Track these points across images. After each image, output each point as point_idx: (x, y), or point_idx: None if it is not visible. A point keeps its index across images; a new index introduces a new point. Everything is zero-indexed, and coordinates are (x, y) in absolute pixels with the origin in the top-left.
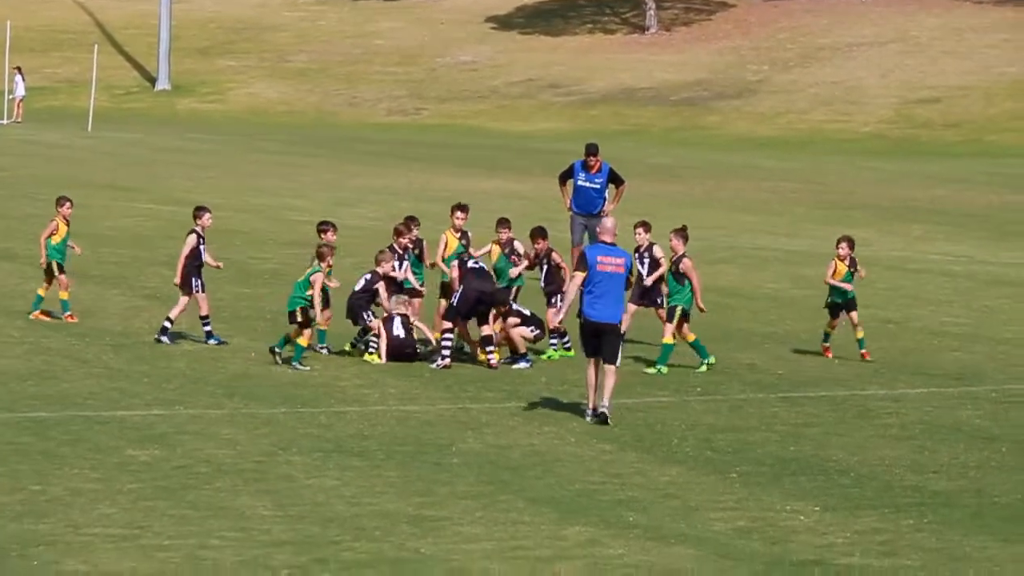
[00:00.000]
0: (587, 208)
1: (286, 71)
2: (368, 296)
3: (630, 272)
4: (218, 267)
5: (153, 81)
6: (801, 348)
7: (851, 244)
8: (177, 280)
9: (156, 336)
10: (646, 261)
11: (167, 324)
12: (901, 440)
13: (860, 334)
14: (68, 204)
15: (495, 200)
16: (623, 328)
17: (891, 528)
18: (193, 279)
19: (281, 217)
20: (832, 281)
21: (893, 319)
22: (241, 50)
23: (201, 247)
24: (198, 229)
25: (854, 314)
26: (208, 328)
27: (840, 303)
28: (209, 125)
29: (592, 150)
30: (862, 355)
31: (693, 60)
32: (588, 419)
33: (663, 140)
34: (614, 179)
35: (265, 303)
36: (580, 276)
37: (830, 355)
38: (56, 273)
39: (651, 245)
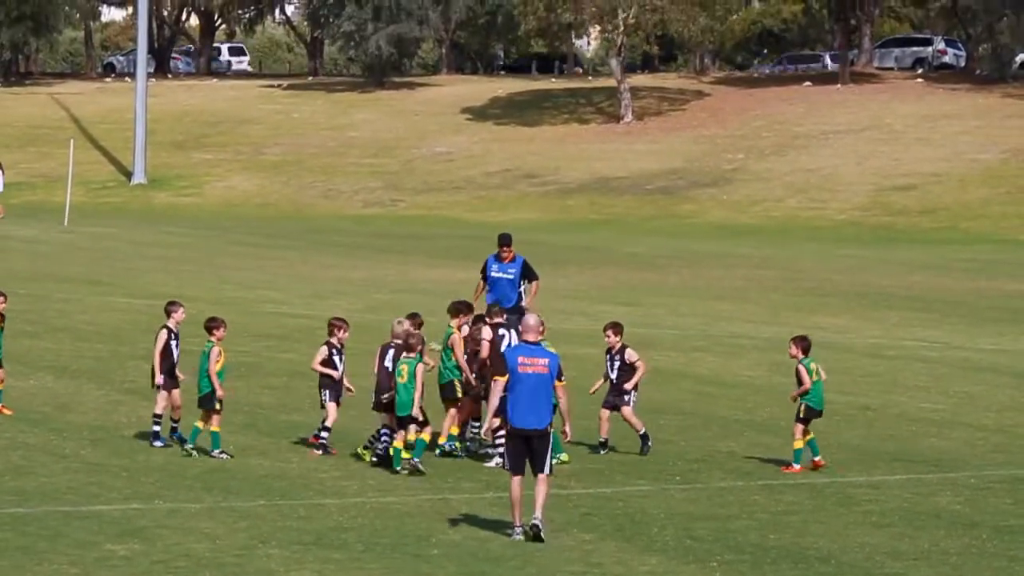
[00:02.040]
0: (502, 302)
1: (262, 164)
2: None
3: (558, 375)
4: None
5: (129, 175)
6: (781, 435)
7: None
8: (159, 379)
9: (152, 442)
10: (616, 363)
11: (156, 426)
12: (881, 527)
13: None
14: (2, 299)
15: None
16: (603, 435)
17: None
18: (165, 377)
19: (257, 310)
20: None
21: (871, 405)
22: (216, 143)
23: (172, 343)
24: (170, 324)
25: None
26: (158, 429)
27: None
28: (185, 218)
29: (505, 240)
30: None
31: (668, 149)
32: (517, 537)
33: (639, 229)
34: (527, 274)
35: (241, 396)
36: (501, 381)
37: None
38: None
39: (623, 348)
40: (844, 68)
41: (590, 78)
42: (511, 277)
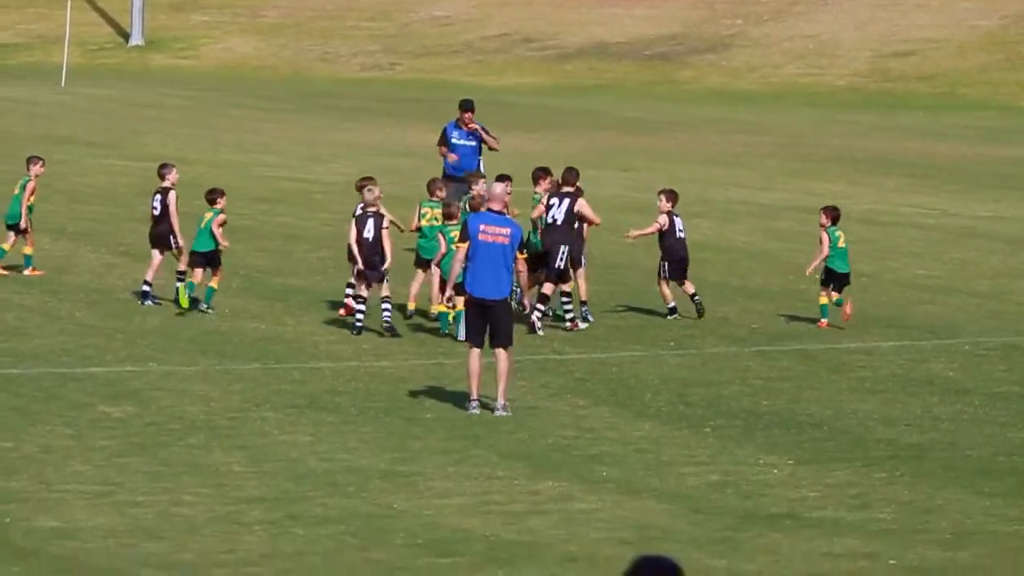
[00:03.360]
0: (461, 169)
1: (259, 26)
2: None
3: (519, 245)
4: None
5: (127, 37)
6: (774, 301)
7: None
8: (180, 241)
9: (147, 301)
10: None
11: (148, 286)
12: (874, 393)
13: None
14: (40, 163)
15: None
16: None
17: (864, 481)
18: (171, 236)
19: (254, 173)
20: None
21: (865, 272)
22: (214, 5)
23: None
24: (168, 184)
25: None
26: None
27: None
28: (182, 81)
29: (467, 106)
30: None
31: (666, 14)
32: (473, 411)
33: (637, 94)
34: (484, 139)
35: (239, 259)
36: (463, 248)
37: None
38: (28, 229)
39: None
40: None
41: None
42: (473, 144)
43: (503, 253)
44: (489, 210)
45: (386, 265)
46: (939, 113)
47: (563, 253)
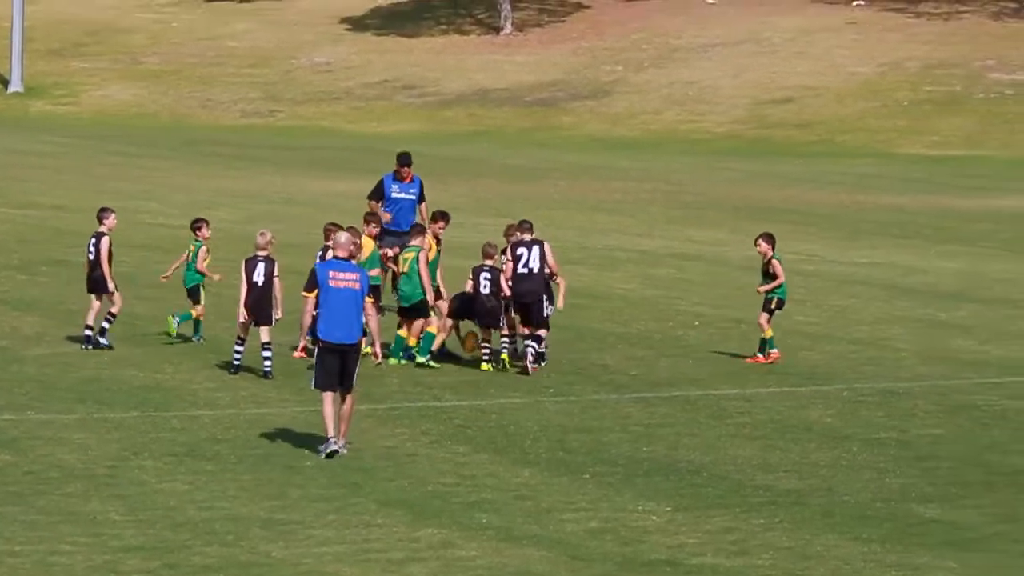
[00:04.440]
0: (400, 224)
1: (139, 73)
2: None
3: (368, 290)
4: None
5: (6, 83)
6: (655, 348)
7: (768, 240)
8: (112, 286)
9: (88, 345)
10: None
11: (100, 327)
12: (753, 439)
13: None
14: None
15: (350, 201)
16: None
17: (742, 527)
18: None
19: (135, 220)
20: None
21: (745, 319)
22: (94, 52)
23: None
24: (104, 229)
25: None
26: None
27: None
28: (62, 128)
29: (404, 160)
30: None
31: (547, 61)
32: (332, 448)
33: (518, 141)
34: (422, 196)
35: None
36: (311, 297)
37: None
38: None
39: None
40: None
41: None
42: (412, 198)
43: (354, 298)
44: (336, 258)
45: (278, 314)
46: (817, 160)
47: (545, 300)
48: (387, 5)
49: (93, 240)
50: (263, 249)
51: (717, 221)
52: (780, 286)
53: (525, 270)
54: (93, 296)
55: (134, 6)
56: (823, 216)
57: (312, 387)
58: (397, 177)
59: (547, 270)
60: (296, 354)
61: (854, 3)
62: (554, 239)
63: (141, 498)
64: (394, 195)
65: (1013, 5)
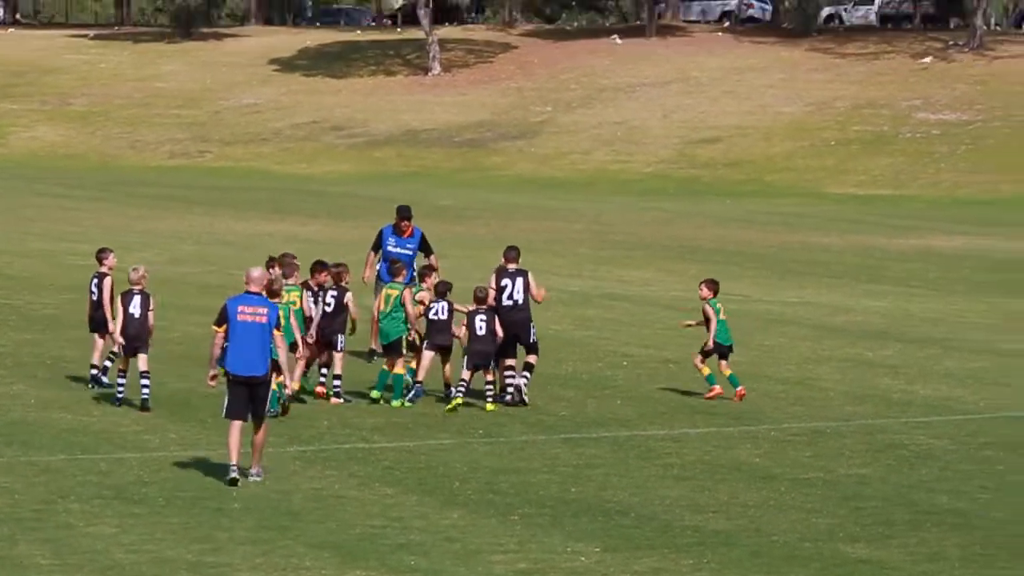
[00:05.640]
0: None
1: (68, 114)
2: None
3: (276, 325)
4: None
5: None
6: (583, 389)
7: (711, 286)
8: (112, 325)
9: (94, 384)
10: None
11: (102, 370)
12: (682, 480)
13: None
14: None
15: (280, 243)
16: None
17: (671, 568)
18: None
19: (62, 262)
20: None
21: (673, 359)
22: (21, 93)
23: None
24: (104, 269)
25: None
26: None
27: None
28: None
29: (404, 213)
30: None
31: (476, 101)
32: (233, 475)
33: (448, 181)
34: (425, 247)
35: (45, 349)
36: (220, 331)
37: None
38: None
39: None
40: (651, 21)
41: (399, 30)
42: (410, 252)
43: (262, 332)
44: (248, 292)
45: (149, 345)
46: (746, 199)
47: (532, 327)
48: (315, 46)
49: (95, 280)
50: (137, 284)
51: (645, 261)
52: (717, 329)
53: (510, 302)
54: (96, 335)
55: (62, 47)
56: (751, 256)
57: (223, 416)
58: (396, 231)
59: (532, 298)
60: (209, 383)
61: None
62: (484, 280)
63: (68, 541)
64: (391, 248)
65: (938, 46)
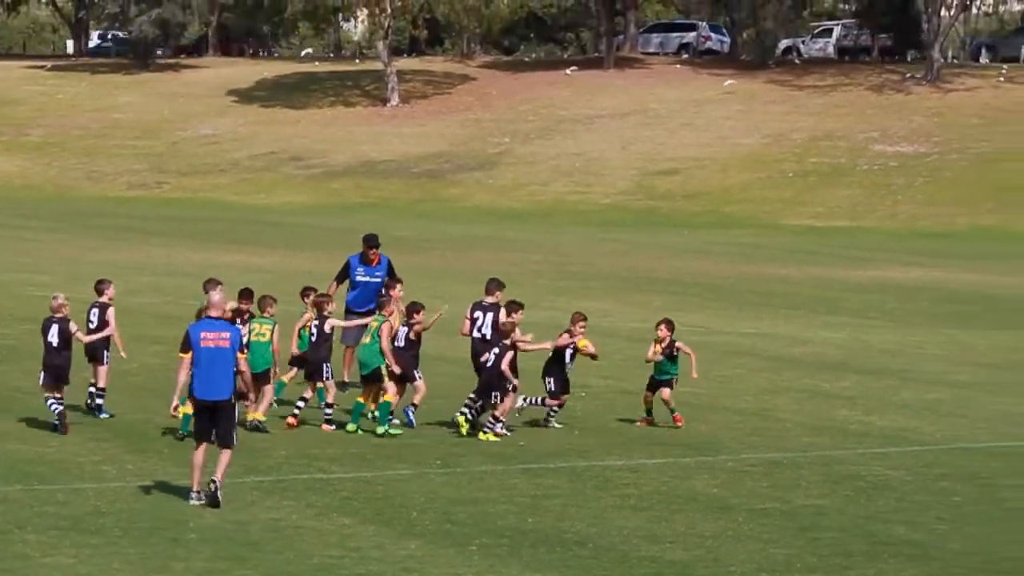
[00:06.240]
0: (366, 305)
1: (24, 145)
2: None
3: (240, 346)
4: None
5: None
6: (539, 420)
7: (670, 326)
8: (125, 353)
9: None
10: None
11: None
12: (639, 510)
13: (672, 405)
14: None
15: (237, 274)
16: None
17: None
18: (105, 351)
19: (19, 293)
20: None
21: (631, 390)
22: None
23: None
24: (105, 300)
25: (666, 391)
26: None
27: (658, 380)
28: None
29: (372, 241)
30: (674, 419)
31: (434, 132)
32: (193, 502)
33: (406, 212)
34: (391, 274)
35: (1, 380)
36: (186, 358)
37: (649, 423)
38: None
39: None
40: (610, 53)
41: (357, 61)
42: (378, 280)
43: (225, 356)
44: (208, 317)
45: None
46: (703, 231)
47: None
48: (274, 77)
49: (96, 311)
50: (57, 311)
51: (604, 292)
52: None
53: (479, 335)
54: (94, 364)
55: (19, 79)
56: (709, 287)
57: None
58: (364, 260)
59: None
60: (172, 412)
61: (726, 83)
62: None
63: (25, 572)
64: (359, 278)
65: (896, 78)
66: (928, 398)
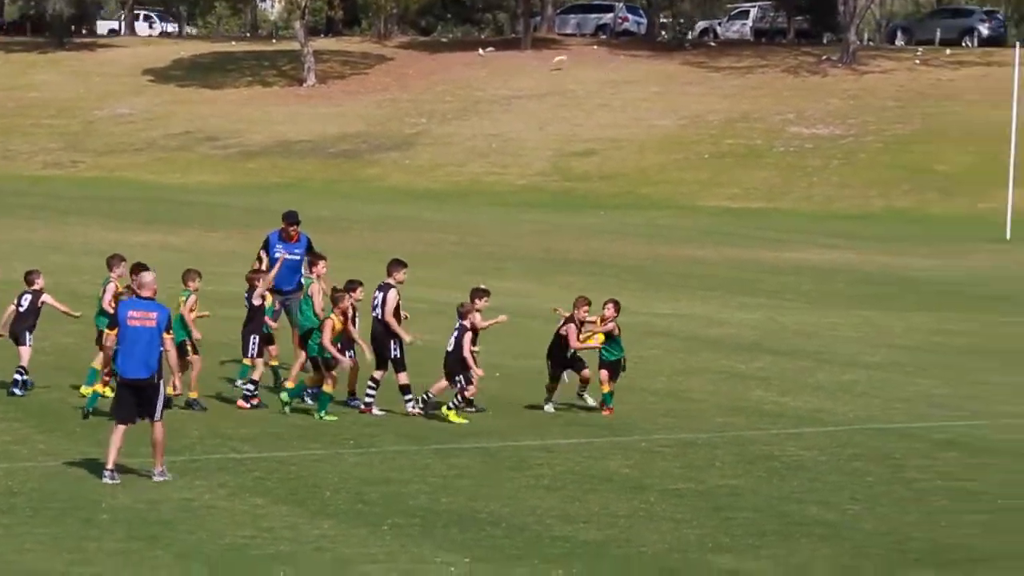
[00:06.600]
0: (286, 283)
1: None
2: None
3: (167, 326)
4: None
5: None
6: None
7: (617, 308)
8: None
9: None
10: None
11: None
12: (552, 490)
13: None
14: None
15: (153, 252)
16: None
17: None
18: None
19: None
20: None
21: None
22: None
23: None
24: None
25: (604, 373)
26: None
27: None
28: None
29: (292, 218)
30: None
31: (351, 112)
32: (107, 481)
33: (322, 192)
34: (311, 251)
35: None
36: (112, 334)
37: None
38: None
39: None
40: (527, 33)
41: (274, 41)
42: (298, 258)
43: (151, 335)
44: (138, 296)
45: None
46: (620, 212)
47: (393, 344)
48: (190, 57)
49: (29, 297)
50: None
51: (520, 273)
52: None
53: (375, 314)
54: (18, 345)
55: None
56: (624, 268)
57: (112, 418)
58: (283, 236)
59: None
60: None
61: (556, 59)
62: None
63: None
64: (278, 255)
65: (811, 60)
66: (843, 379)
